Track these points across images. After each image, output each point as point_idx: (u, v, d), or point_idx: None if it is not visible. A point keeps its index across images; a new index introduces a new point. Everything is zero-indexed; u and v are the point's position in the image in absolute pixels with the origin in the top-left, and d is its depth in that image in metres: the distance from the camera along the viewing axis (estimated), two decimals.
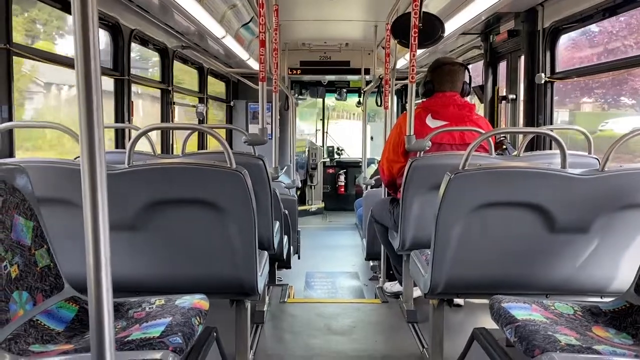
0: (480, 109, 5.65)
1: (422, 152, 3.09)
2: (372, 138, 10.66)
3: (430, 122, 3.27)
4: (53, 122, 2.48)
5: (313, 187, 10.07)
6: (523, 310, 1.91)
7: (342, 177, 10.37)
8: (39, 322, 1.84)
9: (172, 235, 2.31)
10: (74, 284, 2.04)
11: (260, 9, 3.22)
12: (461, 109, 3.28)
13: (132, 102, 4.26)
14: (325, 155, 10.47)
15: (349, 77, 9.19)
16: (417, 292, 3.61)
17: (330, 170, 10.42)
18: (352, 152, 10.90)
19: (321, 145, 10.77)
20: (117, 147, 4.16)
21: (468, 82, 3.38)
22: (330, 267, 6.37)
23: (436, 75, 3.35)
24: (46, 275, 1.97)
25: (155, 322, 1.80)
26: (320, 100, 10.94)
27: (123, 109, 4.17)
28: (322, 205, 10.11)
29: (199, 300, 1.99)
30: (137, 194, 2.22)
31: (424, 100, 3.40)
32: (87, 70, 0.96)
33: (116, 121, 4.16)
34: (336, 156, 10.60)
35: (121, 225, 2.26)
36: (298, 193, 9.47)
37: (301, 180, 9.78)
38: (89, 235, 1.00)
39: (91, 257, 1.00)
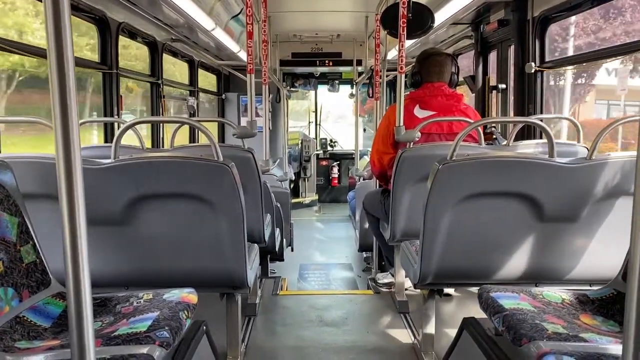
0: (471, 99, 5.65)
1: (412, 143, 3.08)
2: (364, 130, 10.66)
3: (419, 112, 3.27)
4: (34, 117, 2.45)
5: (306, 179, 10.07)
6: (511, 299, 1.91)
7: (335, 169, 10.37)
8: (25, 318, 1.83)
9: (160, 230, 2.30)
10: (62, 279, 2.03)
11: (248, 0, 3.19)
12: (449, 99, 3.28)
13: (121, 96, 4.22)
14: (319, 148, 10.46)
15: (341, 69, 9.17)
16: (408, 283, 3.62)
17: (324, 163, 10.41)
18: (345, 144, 10.90)
19: (314, 137, 10.76)
20: (106, 141, 4.13)
21: (456, 72, 3.38)
22: (324, 259, 6.38)
23: (424, 66, 3.36)
24: (32, 271, 1.95)
25: (143, 316, 1.79)
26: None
27: (112, 103, 4.14)
28: (315, 197, 10.11)
29: (187, 294, 1.98)
30: (123, 188, 2.21)
31: (412, 91, 3.40)
32: (60, 61, 0.95)
33: (105, 115, 4.13)
34: (329, 148, 10.59)
35: (108, 220, 2.24)
36: (291, 186, 9.46)
37: (294, 173, 9.77)
38: (65, 229, 0.98)
39: (68, 251, 0.99)
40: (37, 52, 3.22)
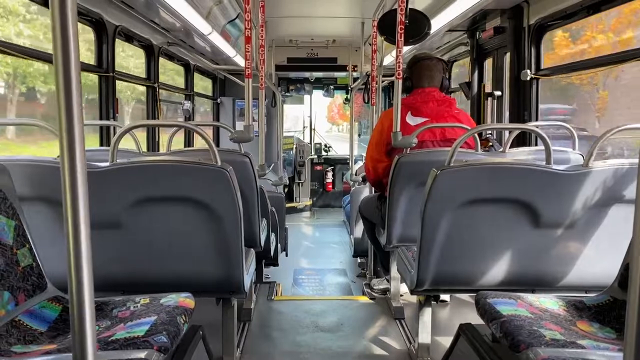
0: (467, 106, 5.67)
1: (408, 149, 3.09)
2: (359, 135, 10.68)
3: (410, 119, 3.26)
4: (33, 119, 2.43)
5: (301, 184, 10.06)
6: (508, 305, 1.92)
7: (329, 174, 10.37)
8: (21, 322, 1.81)
9: (157, 234, 2.29)
10: (58, 283, 2.02)
11: (246, 5, 3.19)
12: (440, 104, 3.26)
13: (117, 99, 4.21)
14: (313, 153, 10.46)
15: (337, 74, 9.18)
16: (404, 289, 3.62)
17: (318, 168, 10.41)
18: (339, 149, 10.91)
19: (309, 142, 10.76)
20: (102, 145, 4.11)
21: (447, 76, 3.38)
22: (318, 264, 6.37)
23: (414, 71, 3.34)
24: (28, 274, 1.94)
25: (140, 321, 1.79)
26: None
27: (108, 107, 4.12)
28: (310, 202, 10.10)
29: (184, 299, 1.97)
30: (121, 192, 2.20)
31: (404, 97, 3.39)
32: (66, 65, 0.95)
33: (100, 119, 4.12)
34: (324, 153, 10.59)
35: (105, 224, 2.23)
36: (286, 190, 9.45)
37: (289, 178, 9.76)
38: (69, 233, 0.98)
39: (72, 255, 0.99)
40: (44, 57, 3.23)
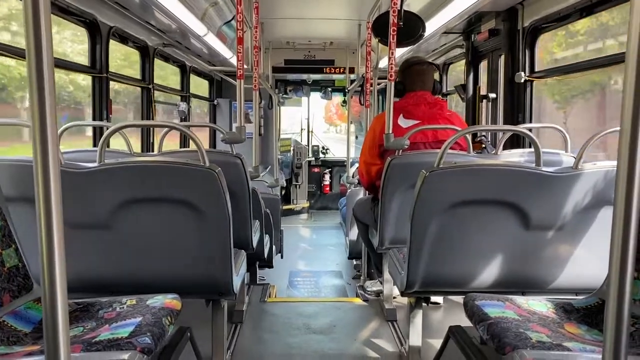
0: (463, 109, 5.67)
1: (400, 151, 3.08)
2: (356, 137, 10.68)
3: (402, 122, 3.27)
4: (15, 118, 2.42)
5: (298, 186, 10.06)
6: (496, 308, 1.91)
7: (327, 177, 10.37)
8: (5, 323, 1.80)
9: (146, 234, 2.28)
10: None
11: (239, 6, 3.19)
12: (432, 107, 3.27)
13: (110, 100, 4.20)
14: (310, 155, 10.46)
15: (334, 76, 9.20)
16: (397, 291, 3.61)
17: (315, 170, 10.41)
18: (338, 151, 10.92)
19: (306, 144, 10.76)
20: (94, 145, 4.10)
21: (439, 80, 3.40)
22: (314, 266, 6.36)
23: (406, 75, 3.36)
24: (14, 275, 1.93)
25: (125, 322, 1.77)
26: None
27: (101, 107, 4.12)
28: (307, 204, 10.10)
29: (170, 300, 1.96)
30: (108, 192, 2.19)
31: (396, 100, 3.39)
32: (39, 61, 0.93)
33: (94, 119, 4.11)
34: (321, 155, 10.59)
35: (93, 224, 2.22)
36: (283, 192, 9.45)
37: (286, 180, 9.76)
38: (42, 233, 0.97)
39: (44, 255, 0.98)
40: (17, 52, 3.17)
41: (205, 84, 8.52)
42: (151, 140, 5.18)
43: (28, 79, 0.95)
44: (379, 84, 5.48)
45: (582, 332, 1.84)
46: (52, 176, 0.96)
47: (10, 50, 3.07)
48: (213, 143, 8.40)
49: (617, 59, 3.27)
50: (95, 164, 2.18)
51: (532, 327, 1.74)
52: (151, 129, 5.13)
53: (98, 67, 4.08)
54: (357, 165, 7.95)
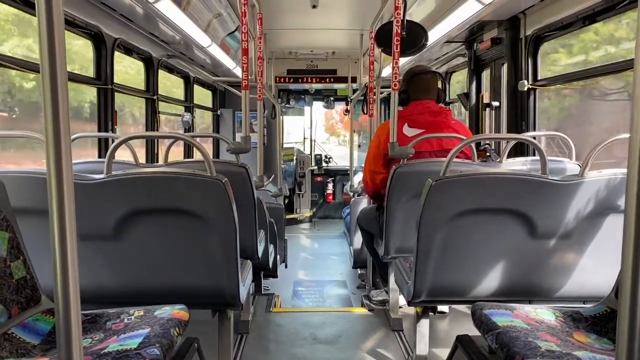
0: (466, 117, 5.68)
1: (405, 160, 3.09)
2: (359, 146, 10.69)
3: (407, 131, 3.29)
4: (27, 131, 2.44)
5: (301, 195, 10.05)
6: (504, 316, 1.90)
7: (330, 186, 10.36)
8: (14, 335, 1.80)
9: (152, 245, 2.28)
10: (52, 296, 2.00)
11: (243, 17, 3.22)
12: (436, 115, 3.29)
13: (116, 111, 4.23)
14: (313, 164, 10.47)
15: (336, 86, 9.23)
16: (403, 300, 3.60)
17: (319, 179, 10.41)
18: (339, 160, 10.92)
19: (309, 153, 10.77)
20: (100, 157, 4.12)
21: (443, 89, 3.42)
22: (318, 276, 6.34)
23: (410, 84, 3.39)
24: (22, 287, 1.93)
25: (133, 333, 1.77)
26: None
27: (107, 119, 4.14)
28: (310, 213, 10.09)
29: (178, 311, 1.96)
30: (115, 203, 2.20)
31: (400, 109, 3.41)
32: (53, 75, 0.95)
33: (99, 131, 4.13)
34: (324, 164, 10.60)
35: (100, 235, 2.23)
36: (286, 202, 9.44)
37: (289, 189, 9.75)
38: (55, 245, 0.98)
39: (58, 267, 0.98)
40: (32, 67, 3.22)
41: (208, 94, 8.55)
42: (156, 151, 5.20)
43: (42, 93, 0.96)
44: (381, 93, 5.49)
45: (591, 341, 1.83)
46: (65, 189, 0.97)
47: (24, 65, 3.13)
48: (217, 153, 8.42)
49: (622, 66, 3.27)
50: (103, 175, 2.19)
51: (541, 336, 1.74)
52: (156, 139, 5.15)
53: (103, 79, 4.11)
54: (360, 173, 7.99)
